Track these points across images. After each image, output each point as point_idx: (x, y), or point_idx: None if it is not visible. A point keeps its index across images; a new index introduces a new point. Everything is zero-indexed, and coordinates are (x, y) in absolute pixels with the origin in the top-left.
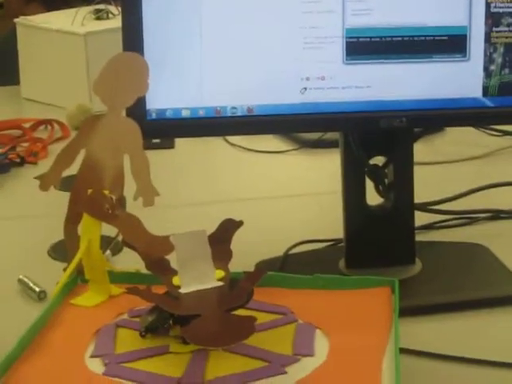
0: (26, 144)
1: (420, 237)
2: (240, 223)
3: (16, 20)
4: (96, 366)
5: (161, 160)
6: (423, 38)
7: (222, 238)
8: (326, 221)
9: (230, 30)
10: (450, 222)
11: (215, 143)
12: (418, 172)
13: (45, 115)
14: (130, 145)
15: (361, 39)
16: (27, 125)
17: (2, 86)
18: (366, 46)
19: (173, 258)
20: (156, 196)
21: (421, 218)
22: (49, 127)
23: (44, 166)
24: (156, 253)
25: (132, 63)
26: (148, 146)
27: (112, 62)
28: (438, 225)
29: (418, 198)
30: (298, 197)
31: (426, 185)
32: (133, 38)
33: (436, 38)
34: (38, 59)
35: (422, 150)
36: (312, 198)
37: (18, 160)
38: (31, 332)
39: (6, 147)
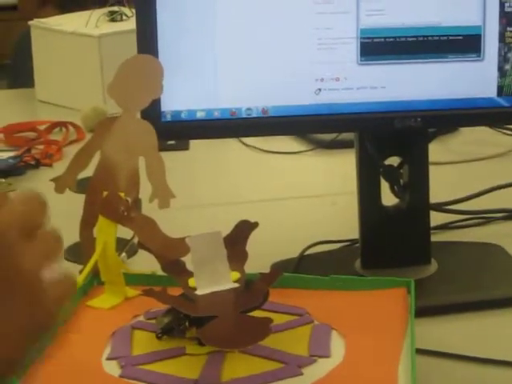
0: (40, 146)
1: (435, 237)
2: (255, 224)
3: (30, 22)
4: (112, 369)
5: (176, 161)
6: (437, 38)
7: (237, 240)
8: (341, 221)
9: (244, 31)
10: (465, 222)
11: (230, 144)
12: (433, 172)
13: (59, 117)
14: (145, 147)
15: (375, 40)
16: (42, 127)
17: (16, 88)
18: (380, 47)
19: (189, 260)
20: (172, 198)
21: (436, 218)
22: (63, 129)
23: (59, 168)
24: (171, 255)
25: (146, 65)
26: (163, 147)
27: (126, 65)
28: (453, 225)
29: (433, 198)
30: (313, 197)
31: (441, 185)
32: (147, 40)
33: (450, 37)
34: (52, 61)
35: (436, 149)
36: (327, 199)
37: (33, 162)
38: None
39: (21, 149)
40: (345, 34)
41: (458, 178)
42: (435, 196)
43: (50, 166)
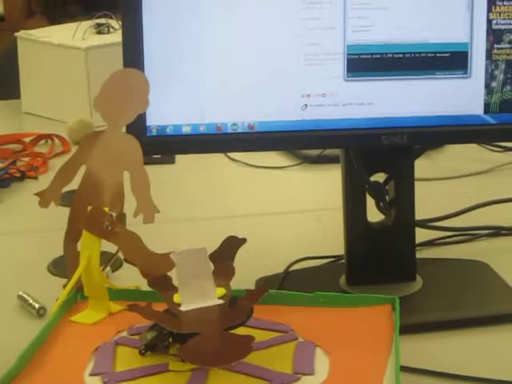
0: (26, 158)
1: (421, 253)
2: (243, 241)
3: (17, 34)
4: None
5: (161, 175)
6: (424, 55)
7: (225, 256)
8: (326, 237)
9: (230, 46)
10: (451, 239)
11: (216, 158)
12: (419, 188)
13: (45, 130)
14: (130, 161)
15: (362, 56)
16: (27, 139)
17: (2, 99)
18: (367, 63)
19: (175, 275)
20: (156, 213)
21: (422, 235)
22: (49, 142)
23: (44, 180)
24: (156, 270)
25: (132, 80)
26: (148, 161)
27: (112, 79)
28: (438, 241)
29: (419, 215)
30: (298, 213)
31: (427, 201)
32: (133, 54)
33: (437, 54)
34: (38, 73)
35: (422, 165)
36: (313, 214)
37: (18, 175)
38: (30, 349)
39: (6, 162)
40: (332, 49)
41: (444, 194)
42: (421, 212)
43: (35, 178)
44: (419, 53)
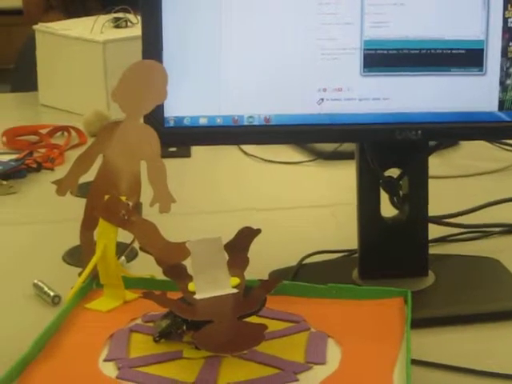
0: (42, 150)
1: (433, 249)
2: (258, 231)
3: (35, 26)
4: (109, 370)
5: (177, 168)
6: (440, 51)
7: (239, 246)
8: (340, 232)
9: (248, 40)
10: (463, 236)
11: (231, 153)
12: (433, 185)
13: (62, 122)
14: (147, 151)
15: (378, 51)
16: (44, 131)
17: (20, 92)
18: (383, 58)
19: (190, 264)
20: (172, 202)
21: (434, 231)
22: (66, 134)
23: (60, 172)
24: (171, 259)
25: (151, 71)
26: (165, 154)
27: (131, 70)
28: (451, 238)
29: (432, 212)
30: (312, 207)
31: (440, 198)
32: (152, 45)
33: (453, 51)
34: (56, 66)
35: (436, 163)
36: (327, 209)
37: (34, 166)
38: (45, 335)
39: (23, 153)
40: (348, 44)
41: (457, 191)
42: (434, 209)
43: (51, 169)
44: (435, 49)
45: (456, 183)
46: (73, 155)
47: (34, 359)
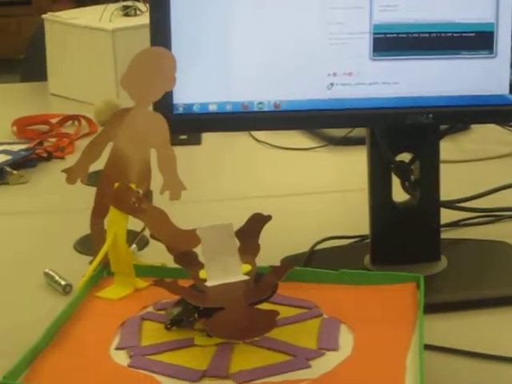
0: (53, 139)
1: (445, 234)
2: (269, 218)
3: (44, 16)
4: (121, 358)
5: (188, 156)
6: (450, 35)
7: (250, 232)
8: (352, 217)
9: (257, 25)
10: (475, 220)
11: (242, 140)
12: (444, 170)
13: (72, 111)
14: (156, 139)
15: (388, 35)
16: (54, 120)
17: (30, 81)
18: (393, 42)
19: (201, 251)
20: (183, 190)
21: (446, 216)
22: (76, 123)
23: (71, 161)
24: (182, 246)
25: (159, 58)
26: (175, 142)
27: (139, 57)
28: (463, 222)
29: (444, 196)
30: (324, 194)
31: (452, 183)
32: (160, 32)
33: (463, 34)
34: (65, 55)
35: (447, 148)
36: (338, 195)
37: (44, 155)
38: (57, 323)
39: (33, 142)
40: (358, 29)
41: (469, 176)
42: (446, 194)
43: (61, 158)
44: (445, 32)
45: (467, 167)
46: (83, 144)
47: (45, 348)
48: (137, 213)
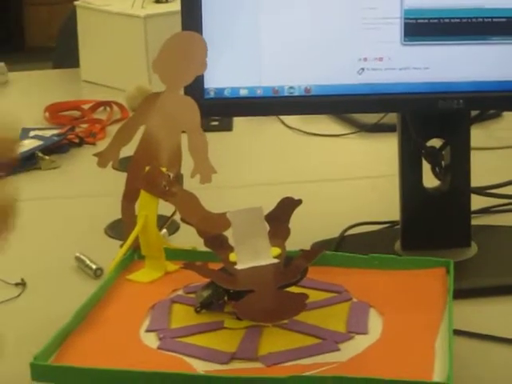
0: (84, 125)
1: (476, 220)
2: (299, 202)
3: (76, 3)
4: (151, 341)
5: (219, 142)
6: (481, 20)
7: (280, 216)
8: (382, 203)
9: (288, 9)
10: (506, 207)
11: (273, 126)
12: (475, 157)
13: (104, 97)
14: (187, 123)
15: (419, 20)
16: (86, 106)
17: (62, 68)
18: (424, 27)
19: (231, 235)
20: (213, 173)
21: (477, 202)
22: (108, 109)
23: (102, 146)
24: (212, 229)
25: (191, 42)
26: (206, 128)
27: (171, 41)
28: (493, 209)
29: (475, 183)
30: (355, 180)
31: (483, 169)
32: (191, 17)
33: (494, 19)
34: (97, 42)
35: (478, 135)
36: (369, 181)
37: (76, 141)
38: (87, 305)
39: (65, 128)
40: (389, 14)
41: (500, 163)
42: (477, 180)
43: (93, 144)
44: (476, 18)
45: (499, 154)
46: (114, 130)
47: (76, 330)
48: (167, 196)
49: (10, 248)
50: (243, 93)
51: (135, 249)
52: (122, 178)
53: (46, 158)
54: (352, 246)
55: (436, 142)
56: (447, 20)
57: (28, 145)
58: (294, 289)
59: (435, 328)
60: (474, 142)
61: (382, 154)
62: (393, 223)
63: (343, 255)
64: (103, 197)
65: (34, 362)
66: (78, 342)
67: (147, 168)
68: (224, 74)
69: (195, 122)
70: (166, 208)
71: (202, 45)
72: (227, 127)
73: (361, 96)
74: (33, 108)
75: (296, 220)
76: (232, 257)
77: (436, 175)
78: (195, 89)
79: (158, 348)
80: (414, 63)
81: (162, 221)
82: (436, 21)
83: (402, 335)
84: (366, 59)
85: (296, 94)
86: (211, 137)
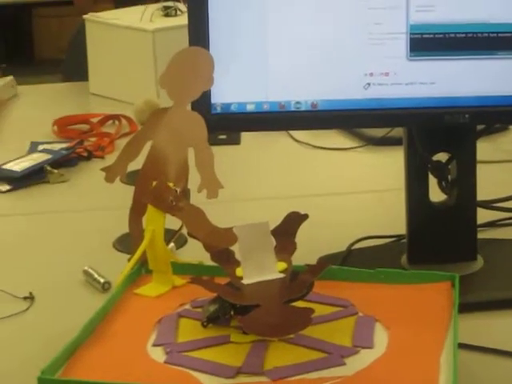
0: (93, 139)
1: (482, 234)
2: (305, 216)
3: (85, 16)
4: (158, 355)
5: (227, 155)
6: (486, 35)
7: (287, 231)
8: (388, 217)
9: (295, 25)
10: None
11: (281, 140)
12: (481, 170)
13: (112, 110)
14: (194, 138)
15: (424, 35)
16: (95, 120)
17: (72, 81)
18: (429, 43)
19: (237, 250)
20: (220, 188)
21: (483, 216)
22: (116, 122)
23: (111, 160)
24: (219, 244)
25: (198, 57)
26: (214, 141)
27: (178, 56)
28: (500, 222)
29: (481, 196)
30: (361, 193)
31: (489, 183)
32: (199, 32)
33: (499, 34)
34: (106, 55)
35: (484, 148)
36: (376, 195)
37: (85, 154)
38: (95, 319)
39: (73, 141)
40: (395, 29)
41: (507, 176)
42: (483, 194)
43: (102, 158)
44: (481, 33)
45: (505, 168)
46: (123, 144)
47: (83, 344)
48: (174, 211)
49: (18, 262)
50: (250, 108)
51: (143, 263)
52: (130, 191)
53: (55, 171)
54: (358, 260)
55: (442, 156)
56: (453, 35)
57: (37, 158)
58: (299, 303)
59: (440, 342)
60: (480, 156)
61: (388, 168)
62: (399, 237)
63: (349, 269)
64: (111, 210)
65: (41, 376)
66: (86, 356)
67: (154, 183)
68: (231, 90)
69: (202, 137)
70: (173, 222)
71: (208, 60)
72: (235, 141)
73: (367, 111)
74: (42, 121)
75: (302, 233)
76: (238, 271)
77: (442, 189)
78: (202, 104)
79: (165, 362)
80: (420, 78)
81: (170, 235)
82: (441, 36)
83: (408, 349)
84: (372, 74)
85: (302, 108)
86: (219, 150)
